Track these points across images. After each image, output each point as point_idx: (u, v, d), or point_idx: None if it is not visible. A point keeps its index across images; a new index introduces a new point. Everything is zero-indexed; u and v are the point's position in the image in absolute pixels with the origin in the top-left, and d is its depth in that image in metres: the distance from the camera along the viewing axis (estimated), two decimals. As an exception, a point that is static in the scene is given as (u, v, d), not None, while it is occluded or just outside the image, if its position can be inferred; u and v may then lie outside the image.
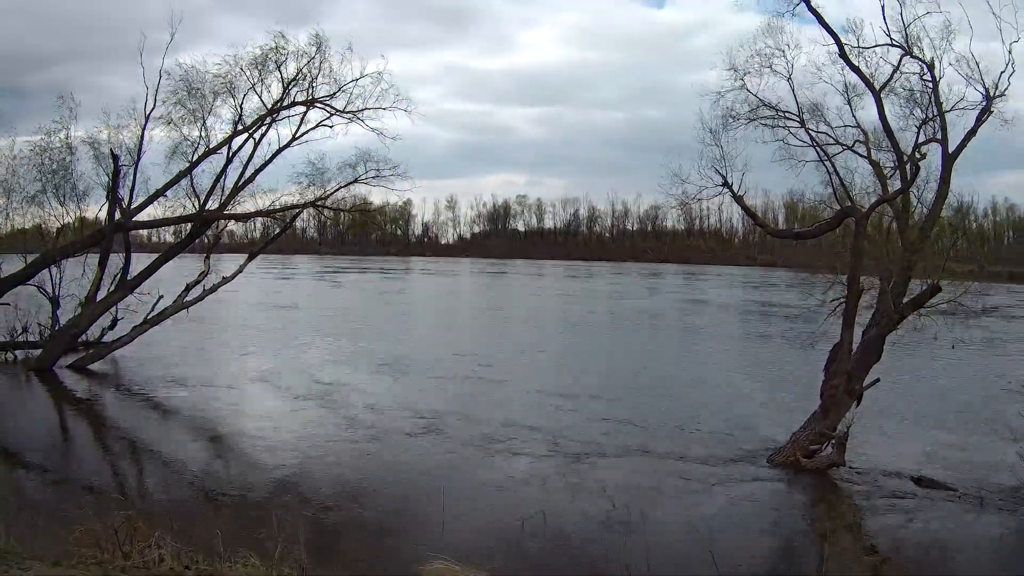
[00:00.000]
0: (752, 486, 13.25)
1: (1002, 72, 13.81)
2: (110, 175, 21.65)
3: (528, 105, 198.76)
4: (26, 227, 24.30)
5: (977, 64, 13.89)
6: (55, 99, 21.94)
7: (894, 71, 14.41)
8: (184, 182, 22.09)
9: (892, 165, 14.64)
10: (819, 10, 14.28)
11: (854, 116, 14.94)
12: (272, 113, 22.16)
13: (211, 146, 21.97)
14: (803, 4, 14.28)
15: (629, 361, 26.53)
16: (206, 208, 22.28)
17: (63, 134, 22.04)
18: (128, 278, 22.36)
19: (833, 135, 15.06)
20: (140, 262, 23.29)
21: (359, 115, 22.32)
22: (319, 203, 23.27)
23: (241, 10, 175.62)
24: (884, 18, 14.16)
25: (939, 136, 14.20)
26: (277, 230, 25.88)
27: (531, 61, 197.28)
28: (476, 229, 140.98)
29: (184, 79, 21.31)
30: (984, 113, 13.96)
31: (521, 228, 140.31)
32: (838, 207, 15.10)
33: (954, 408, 19.15)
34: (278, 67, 21.74)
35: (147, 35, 21.63)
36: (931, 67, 14.11)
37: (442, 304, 51.45)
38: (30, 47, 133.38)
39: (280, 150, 22.59)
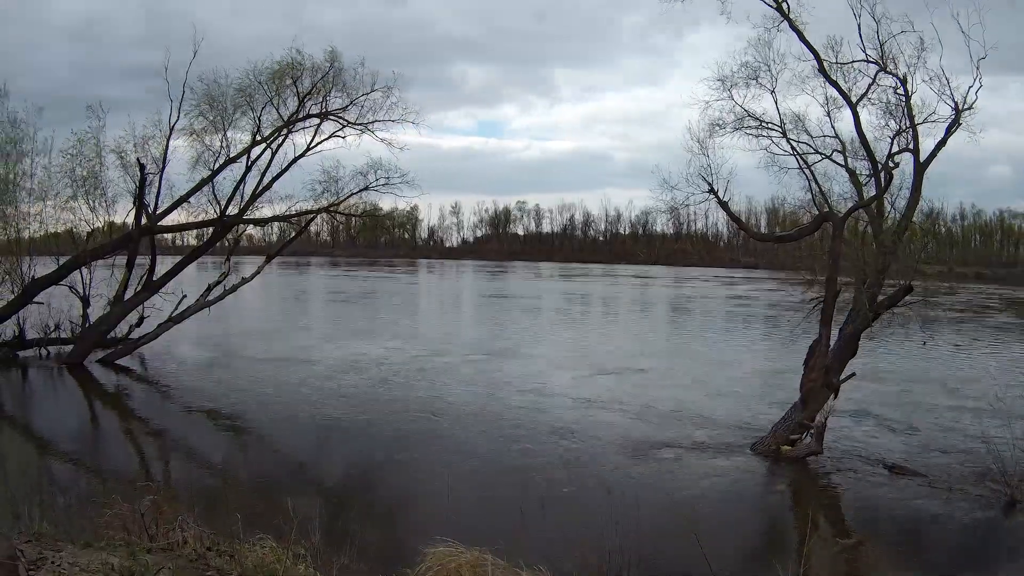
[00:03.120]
0: (735, 474, 13.25)
1: (970, 87, 13.85)
2: (137, 183, 21.68)
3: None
4: (58, 231, 24.34)
5: (947, 79, 13.92)
6: (85, 109, 21.94)
7: (870, 85, 14.41)
8: (206, 189, 22.16)
9: (868, 173, 14.65)
10: (801, 28, 14.28)
11: (833, 127, 14.94)
12: (288, 125, 22.17)
13: (231, 155, 22.02)
14: (785, 22, 14.27)
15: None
16: (227, 213, 22.30)
17: (93, 143, 22.07)
18: (154, 279, 22.43)
19: (813, 144, 15.04)
20: (165, 264, 23.33)
21: (370, 127, 22.37)
22: (332, 209, 23.29)
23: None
24: (860, 36, 14.18)
25: (911, 146, 14.22)
26: (293, 234, 25.88)
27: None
28: (479, 233, 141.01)
29: (206, 93, 21.35)
30: (953, 125, 13.97)
31: (520, 232, 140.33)
32: (817, 212, 15.12)
33: (925, 400, 19.15)
34: (294, 82, 21.75)
35: (171, 52, 21.46)
36: (904, 82, 14.12)
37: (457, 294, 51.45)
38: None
39: (296, 159, 22.66)
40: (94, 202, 22.62)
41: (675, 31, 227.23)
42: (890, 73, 14.16)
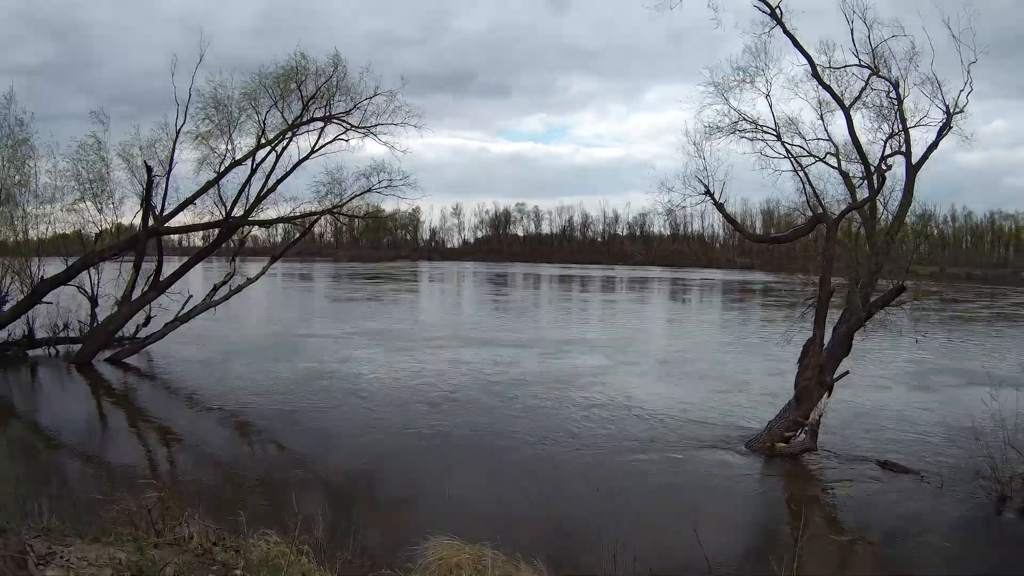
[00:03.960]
0: (731, 470, 13.24)
1: (960, 91, 13.86)
2: (144, 185, 21.69)
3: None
4: (67, 232, 24.34)
5: (939, 83, 13.92)
6: (89, 114, 22.00)
7: (863, 89, 14.44)
8: (212, 191, 22.15)
9: (861, 175, 14.66)
10: (794, 33, 14.29)
11: (826, 130, 14.97)
12: (293, 128, 22.17)
13: (236, 158, 22.01)
14: (779, 27, 14.28)
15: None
16: (232, 215, 22.30)
17: (95, 147, 22.08)
18: (160, 279, 22.47)
19: (807, 147, 15.07)
20: (171, 264, 23.35)
21: (373, 130, 22.38)
22: (335, 210, 23.29)
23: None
24: (853, 41, 14.20)
25: (904, 149, 14.24)
26: (297, 235, 25.88)
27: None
28: (479, 234, 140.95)
29: (212, 96, 21.35)
30: (944, 128, 13.99)
31: (520, 233, 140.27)
32: (811, 214, 15.12)
33: (917, 398, 19.16)
34: (298, 86, 21.75)
35: (178, 56, 21.43)
36: (896, 86, 14.13)
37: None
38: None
39: (300, 162, 22.65)
40: (102, 204, 22.67)
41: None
42: (882, 77, 14.18)
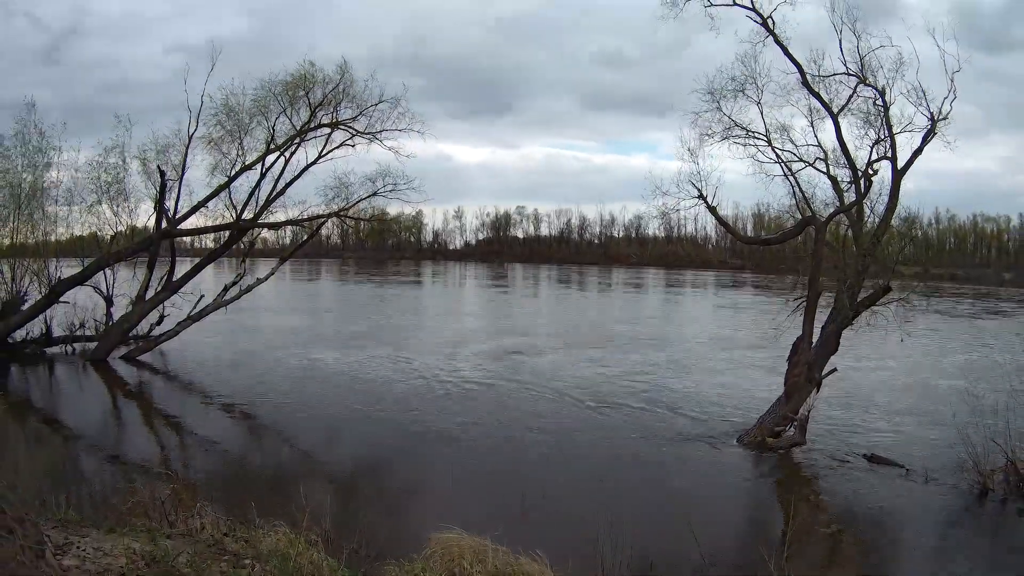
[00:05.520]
0: (723, 464, 13.25)
1: (945, 98, 13.88)
2: (158, 188, 21.71)
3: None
4: (83, 234, 24.33)
5: (923, 92, 13.94)
6: (112, 118, 21.97)
7: (850, 97, 14.46)
8: (223, 195, 22.14)
9: (848, 180, 14.68)
10: (785, 43, 14.31)
11: (816, 136, 15.00)
12: (301, 134, 22.16)
13: (247, 163, 22.00)
14: (771, 37, 14.29)
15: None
16: (242, 218, 22.31)
17: (117, 151, 22.10)
18: (173, 279, 22.48)
19: (797, 153, 15.10)
20: (184, 265, 23.34)
21: (378, 136, 22.35)
22: (342, 213, 23.28)
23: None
24: (842, 50, 14.22)
25: (890, 154, 14.27)
26: (305, 237, 25.87)
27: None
28: (480, 236, 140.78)
29: (224, 103, 21.36)
30: (929, 135, 14.00)
31: (520, 235, 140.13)
32: (801, 217, 15.12)
33: (902, 394, 19.16)
34: (306, 93, 21.74)
35: (190, 65, 21.53)
36: (883, 94, 14.15)
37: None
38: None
39: (308, 167, 22.62)
40: (117, 207, 22.68)
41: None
42: (870, 85, 14.21)
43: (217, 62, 21.45)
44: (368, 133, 22.32)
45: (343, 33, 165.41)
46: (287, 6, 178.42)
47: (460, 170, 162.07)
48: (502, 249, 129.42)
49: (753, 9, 14.26)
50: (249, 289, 23.19)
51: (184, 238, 26.32)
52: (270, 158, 22.14)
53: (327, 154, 22.64)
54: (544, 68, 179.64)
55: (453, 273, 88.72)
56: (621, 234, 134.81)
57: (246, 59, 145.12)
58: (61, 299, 22.07)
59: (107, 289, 22.62)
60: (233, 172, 21.91)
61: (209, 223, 22.87)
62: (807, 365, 14.07)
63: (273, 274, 24.40)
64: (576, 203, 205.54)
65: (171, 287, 22.33)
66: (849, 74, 14.30)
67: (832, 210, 14.82)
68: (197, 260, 24.02)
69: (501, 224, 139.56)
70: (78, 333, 22.90)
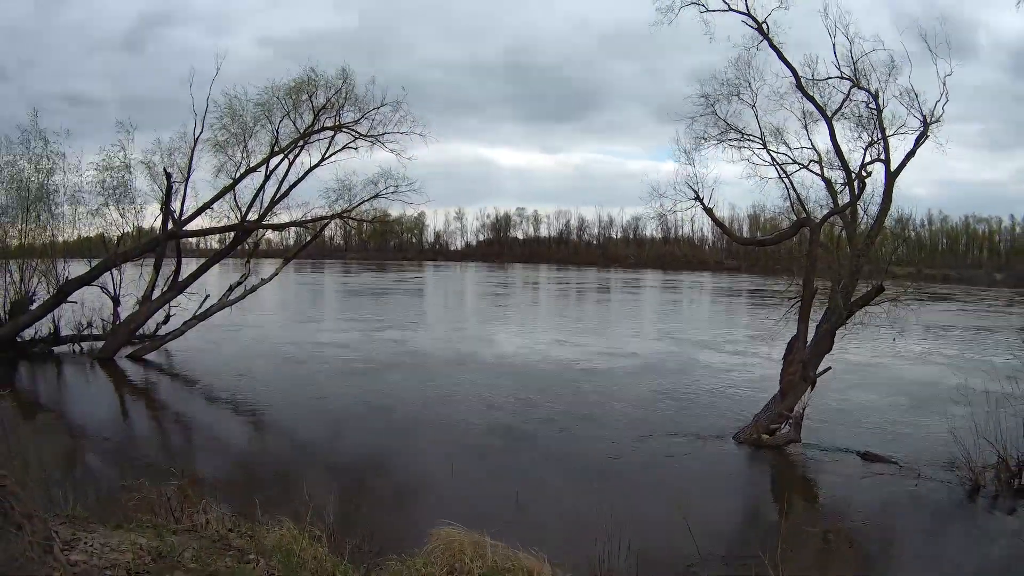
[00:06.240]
0: (720, 460, 13.25)
1: (937, 101, 13.89)
2: (164, 190, 21.72)
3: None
4: (91, 235, 24.35)
5: (916, 95, 13.95)
6: (115, 123, 21.99)
7: (844, 100, 14.46)
8: (228, 196, 22.14)
9: (842, 182, 14.68)
10: (779, 47, 14.31)
11: (810, 139, 15.02)
12: (304, 137, 22.17)
13: (251, 165, 22.02)
14: (765, 42, 14.29)
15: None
16: (247, 219, 22.32)
17: (122, 154, 22.12)
18: (179, 280, 22.47)
19: (791, 155, 15.11)
20: (189, 266, 23.36)
21: (380, 138, 22.36)
22: (345, 215, 23.30)
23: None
24: (835, 54, 14.23)
25: (883, 157, 14.26)
26: (308, 238, 25.88)
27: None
28: (481, 237, 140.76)
29: (228, 107, 21.38)
30: (922, 137, 14.01)
31: (520, 236, 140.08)
32: (795, 218, 15.13)
33: (895, 392, 19.15)
34: (309, 97, 21.76)
35: (195, 68, 21.54)
36: (876, 97, 14.16)
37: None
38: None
39: (311, 169, 22.68)
40: (124, 208, 22.71)
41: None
42: (863, 89, 14.21)
43: (304, 56, 21.52)
44: (370, 136, 22.34)
45: (450, 36, 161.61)
46: (393, 6, 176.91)
47: (492, 173, 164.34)
48: (502, 250, 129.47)
49: (748, 14, 14.28)
50: (254, 289, 23.22)
51: (190, 239, 26.39)
52: (274, 160, 22.19)
53: (330, 157, 22.69)
54: (625, 81, 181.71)
55: (454, 272, 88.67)
56: (619, 235, 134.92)
57: (337, 57, 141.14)
58: (69, 299, 22.07)
59: (114, 289, 22.66)
60: (238, 174, 21.94)
61: (214, 224, 22.89)
62: (802, 364, 14.08)
63: (277, 274, 24.42)
64: (577, 206, 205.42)
65: (177, 287, 22.34)
66: (843, 77, 14.31)
67: (826, 211, 14.83)
68: (203, 261, 24.02)
69: (501, 225, 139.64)
70: (86, 332, 22.92)
